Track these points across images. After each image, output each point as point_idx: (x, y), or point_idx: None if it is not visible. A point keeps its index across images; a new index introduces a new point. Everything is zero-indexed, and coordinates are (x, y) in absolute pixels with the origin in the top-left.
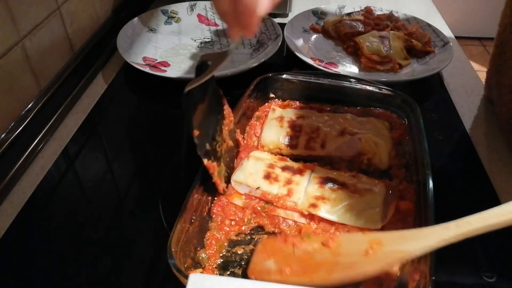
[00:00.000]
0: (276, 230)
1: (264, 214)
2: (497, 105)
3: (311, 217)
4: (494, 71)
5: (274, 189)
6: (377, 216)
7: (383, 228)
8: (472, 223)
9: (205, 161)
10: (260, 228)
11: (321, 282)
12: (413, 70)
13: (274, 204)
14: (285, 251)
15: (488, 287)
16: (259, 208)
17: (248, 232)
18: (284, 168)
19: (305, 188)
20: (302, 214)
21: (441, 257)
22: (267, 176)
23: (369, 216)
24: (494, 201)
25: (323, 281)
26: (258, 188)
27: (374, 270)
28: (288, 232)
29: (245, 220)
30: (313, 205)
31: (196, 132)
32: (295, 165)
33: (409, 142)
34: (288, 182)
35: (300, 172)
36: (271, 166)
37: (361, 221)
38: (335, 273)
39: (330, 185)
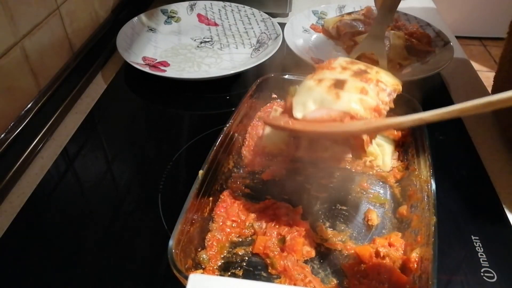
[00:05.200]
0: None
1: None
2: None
3: None
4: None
5: None
6: None
7: None
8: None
9: None
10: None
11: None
12: (414, 70)
13: None
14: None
15: (488, 287)
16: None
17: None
18: None
19: None
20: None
21: (442, 256)
22: None
23: None
24: (494, 201)
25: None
26: None
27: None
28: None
29: (247, 224)
30: None
31: None
32: None
33: (412, 144)
34: None
35: None
36: None
37: None
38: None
39: None
